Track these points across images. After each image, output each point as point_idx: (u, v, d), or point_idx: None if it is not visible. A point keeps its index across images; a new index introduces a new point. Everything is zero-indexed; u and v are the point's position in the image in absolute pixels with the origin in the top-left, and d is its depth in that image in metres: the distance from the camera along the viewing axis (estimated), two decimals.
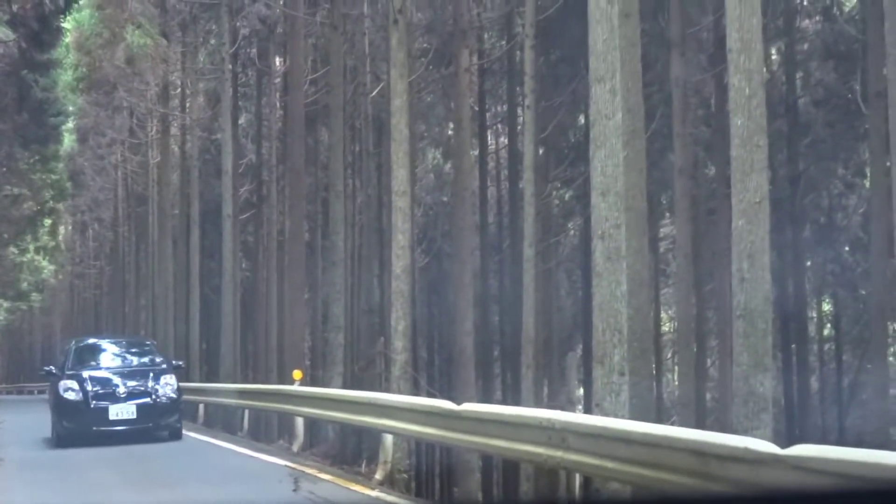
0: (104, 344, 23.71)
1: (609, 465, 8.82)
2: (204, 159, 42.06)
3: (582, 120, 32.25)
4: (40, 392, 68.41)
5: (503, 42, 32.81)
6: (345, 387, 22.70)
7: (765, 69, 29.08)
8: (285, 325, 27.55)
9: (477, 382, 26.60)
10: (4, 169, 45.38)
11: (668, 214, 31.91)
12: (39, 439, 21.25)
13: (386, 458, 14.24)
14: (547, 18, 23.40)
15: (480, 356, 29.65)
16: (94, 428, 19.33)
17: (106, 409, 19.48)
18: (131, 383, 20.01)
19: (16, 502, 13.32)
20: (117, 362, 21.61)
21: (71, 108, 44.65)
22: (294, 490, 12.67)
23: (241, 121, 41.43)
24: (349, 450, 20.43)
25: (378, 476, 14.18)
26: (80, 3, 32.32)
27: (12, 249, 60.53)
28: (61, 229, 68.60)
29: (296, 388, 19.43)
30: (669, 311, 37.00)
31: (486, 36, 33.50)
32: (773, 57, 28.26)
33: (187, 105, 43.18)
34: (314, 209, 36.38)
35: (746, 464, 7.16)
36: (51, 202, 53.80)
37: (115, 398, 19.61)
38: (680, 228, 21.89)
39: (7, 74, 38.76)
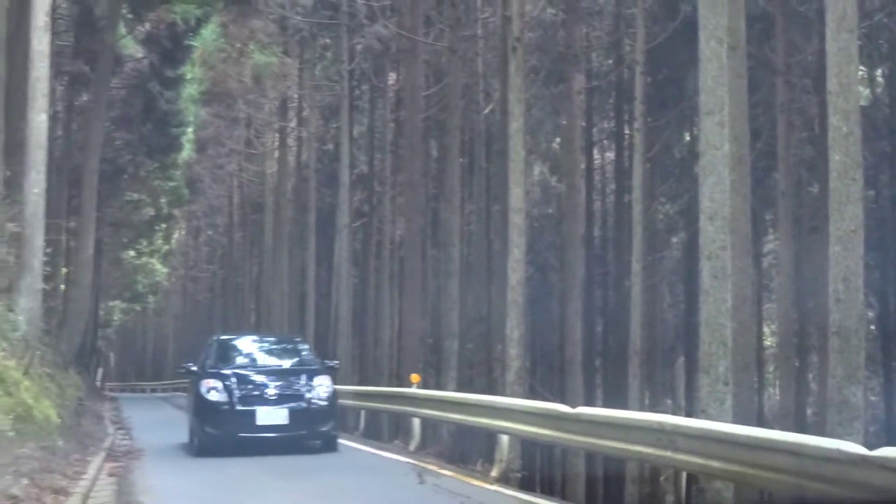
0: (250, 340, 21.65)
1: (714, 464, 9.75)
2: (317, 169, 43.68)
3: (687, 137, 33.10)
4: (152, 391, 70.82)
5: (610, 61, 33.73)
6: (459, 391, 23.81)
7: (868, 91, 29.69)
8: (403, 332, 28.82)
9: (584, 390, 27.56)
10: (126, 176, 47.52)
11: (771, 231, 32.50)
12: (174, 446, 20.49)
13: (501, 456, 15.27)
14: (657, 42, 24.31)
15: (585, 365, 30.61)
16: (240, 434, 17.26)
17: (253, 413, 17.32)
18: (282, 385, 17.90)
19: None
20: (266, 361, 19.62)
21: (192, 119, 46.78)
22: (420, 483, 13.78)
23: (354, 132, 42.99)
24: (462, 450, 21.56)
25: (494, 473, 15.18)
26: (208, 21, 34.12)
27: (130, 253, 63.05)
28: (176, 234, 71.16)
29: (414, 390, 20.49)
30: (772, 326, 37.48)
31: (593, 55, 34.45)
32: (878, 79, 28.79)
33: (303, 117, 44.86)
34: (426, 220, 37.69)
35: (838, 464, 8.07)
36: (167, 208, 56.06)
37: (264, 401, 17.50)
38: (782, 248, 22.66)
39: (134, 87, 40.92)
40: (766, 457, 8.94)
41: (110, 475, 15.22)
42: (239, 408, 17.36)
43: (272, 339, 23.49)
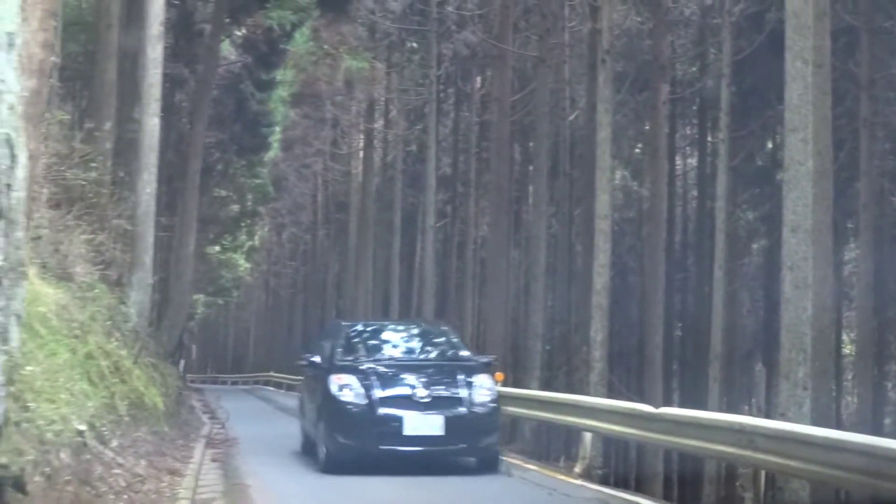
0: (388, 329, 17.87)
1: (792, 464, 10.36)
2: (402, 169, 44.60)
3: (770, 145, 33.42)
4: (233, 383, 72.18)
5: (694, 69, 34.16)
6: (542, 390, 24.48)
7: None
8: (486, 332, 29.58)
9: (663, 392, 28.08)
10: (216, 173, 48.82)
11: (853, 239, 32.71)
12: (267, 436, 20.48)
13: (584, 453, 15.91)
14: (744, 55, 24.76)
15: (663, 368, 31.08)
16: (382, 447, 13.66)
17: (400, 421, 13.67)
18: (434, 385, 14.19)
19: None
20: (411, 354, 16.10)
21: (279, 119, 47.98)
22: (508, 476, 14.53)
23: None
24: (543, 447, 22.25)
25: (577, 469, 15.83)
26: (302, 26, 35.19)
27: (215, 248, 64.52)
28: (258, 230, 72.65)
29: (499, 388, 21.08)
30: (851, 334, 37.60)
31: (678, 63, 34.88)
32: None
33: (389, 119, 45.84)
34: (509, 222, 38.39)
35: None
36: (253, 205, 57.33)
37: (412, 404, 13.85)
38: (863, 258, 23.03)
39: (227, 88, 42.16)
40: (841, 457, 9.53)
41: (213, 460, 16.17)
42: (381, 412, 13.79)
43: (414, 325, 18.90)
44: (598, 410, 15.27)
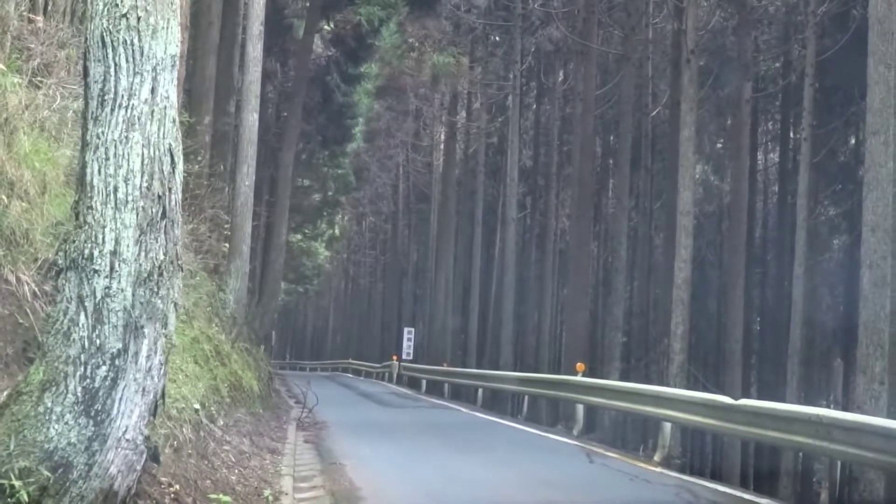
0: None
1: (867, 454, 10.82)
2: (483, 161, 45.13)
3: (853, 141, 33.41)
4: (312, 369, 73.02)
5: (777, 65, 34.25)
6: (621, 380, 24.87)
7: None
8: (566, 323, 30.08)
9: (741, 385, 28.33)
10: (301, 164, 49.78)
11: None
12: (352, 421, 21.66)
13: (664, 443, 16.41)
14: (828, 55, 24.92)
15: (744, 361, 31.28)
16: None
17: None
18: None
19: None
20: None
21: (363, 111, 48.79)
22: (590, 462, 15.08)
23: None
24: (622, 436, 22.72)
25: (656, 458, 16.31)
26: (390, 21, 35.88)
27: (297, 236, 65.61)
28: (339, 219, 73.67)
29: (579, 378, 21.60)
30: None
31: (761, 59, 34.98)
32: None
33: (472, 112, 46.40)
34: (590, 214, 38.77)
35: None
36: (335, 194, 58.24)
37: None
38: None
39: (313, 80, 43.07)
40: None
41: (306, 441, 16.89)
42: None
43: None
44: (677, 401, 15.75)
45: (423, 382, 38.45)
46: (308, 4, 32.33)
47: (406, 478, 12.97)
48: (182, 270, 6.21)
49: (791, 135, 33.69)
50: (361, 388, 40.45)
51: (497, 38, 41.77)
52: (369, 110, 49.99)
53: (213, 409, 13.13)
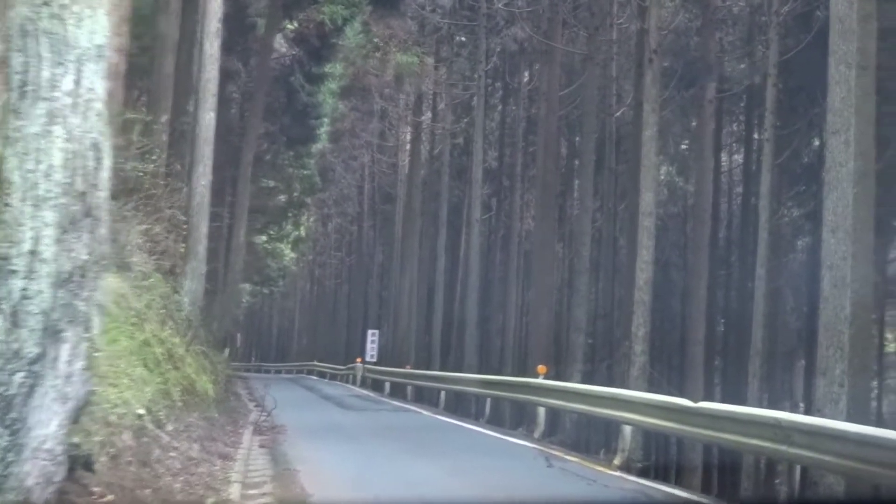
0: None
1: (827, 459, 10.65)
2: (448, 162, 44.89)
3: (816, 142, 33.40)
4: (277, 371, 72.70)
5: (742, 66, 34.20)
6: (584, 383, 24.72)
7: None
8: (530, 324, 29.89)
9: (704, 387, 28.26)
10: (264, 164, 49.38)
11: None
12: (311, 424, 21.60)
13: (624, 446, 16.24)
14: (791, 54, 24.80)
15: (705, 363, 31.20)
16: None
17: None
18: None
19: None
20: None
21: (328, 111, 48.42)
22: (548, 466, 14.90)
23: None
24: (584, 439, 22.55)
25: (616, 461, 16.15)
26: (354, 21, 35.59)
27: (262, 238, 65.18)
28: (304, 220, 73.30)
29: (541, 380, 21.42)
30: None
31: (725, 60, 34.91)
32: None
33: (437, 112, 46.17)
34: (553, 215, 38.61)
35: None
36: (300, 195, 57.85)
37: None
38: None
39: (277, 80, 42.70)
40: (875, 453, 9.81)
41: (261, 446, 16.61)
42: None
43: None
44: (637, 404, 15.58)
45: (387, 385, 38.29)
46: (269, 3, 31.94)
47: (359, 483, 12.76)
48: (107, 271, 5.92)
49: (755, 136, 33.67)
50: (324, 390, 40.28)
51: (463, 39, 41.58)
52: (334, 110, 49.66)
53: (161, 413, 12.82)
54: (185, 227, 20.09)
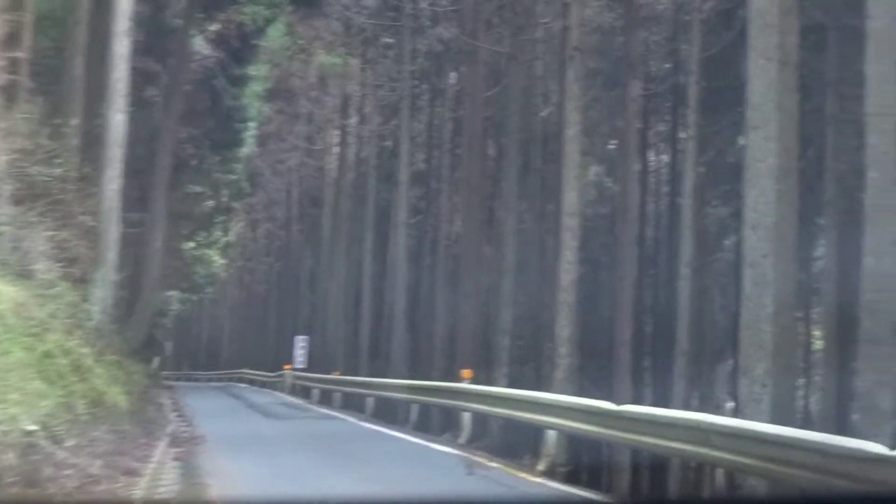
0: None
1: (746, 461, 10.36)
2: (375, 165, 44.42)
3: (742, 141, 33.40)
4: (208, 380, 71.80)
5: (668, 65, 34.15)
6: (509, 387, 24.40)
7: None
8: (456, 328, 29.49)
9: (631, 389, 28.03)
10: (190, 169, 48.55)
11: (822, 237, 32.71)
12: (232, 434, 20.78)
13: (548, 451, 15.88)
14: (713, 51, 24.71)
15: (633, 364, 31.03)
16: None
17: None
18: None
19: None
20: None
21: (255, 115, 47.78)
22: (469, 474, 14.50)
23: (413, 130, 43.62)
24: (511, 444, 22.18)
25: (540, 467, 15.79)
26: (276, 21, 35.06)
27: (190, 244, 64.24)
28: (234, 226, 72.39)
29: (465, 385, 21.06)
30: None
31: (651, 60, 34.84)
32: None
33: (364, 115, 45.68)
34: (481, 218, 38.27)
35: (861, 462, 8.69)
36: (228, 200, 57.08)
37: None
38: (828, 255, 23.05)
39: (201, 83, 41.96)
40: (794, 454, 9.54)
41: (175, 459, 16.04)
42: None
43: None
44: (559, 408, 15.26)
45: (315, 392, 37.88)
46: (188, 3, 31.23)
47: (270, 496, 12.33)
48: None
49: (681, 135, 33.59)
50: (251, 398, 39.76)
51: (390, 40, 41.10)
52: (261, 114, 49.06)
53: (60, 429, 12.19)
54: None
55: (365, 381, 31.97)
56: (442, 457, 17.52)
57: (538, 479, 14.52)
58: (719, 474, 11.58)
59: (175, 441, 18.67)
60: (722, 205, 34.26)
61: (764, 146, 12.85)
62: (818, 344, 38.82)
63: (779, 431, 9.96)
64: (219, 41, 35.73)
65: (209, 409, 30.34)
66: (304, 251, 58.97)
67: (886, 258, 11.33)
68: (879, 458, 8.46)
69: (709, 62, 25.95)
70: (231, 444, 18.86)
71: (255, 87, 43.35)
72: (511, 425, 22.25)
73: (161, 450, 16.89)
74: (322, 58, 34.65)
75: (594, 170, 42.68)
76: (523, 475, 15.18)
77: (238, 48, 34.50)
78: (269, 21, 32.15)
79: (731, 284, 37.19)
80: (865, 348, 11.34)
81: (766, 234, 12.84)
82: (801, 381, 33.50)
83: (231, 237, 71.83)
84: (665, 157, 38.43)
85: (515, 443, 21.95)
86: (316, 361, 44.17)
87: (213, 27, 35.73)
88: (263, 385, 53.30)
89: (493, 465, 16.17)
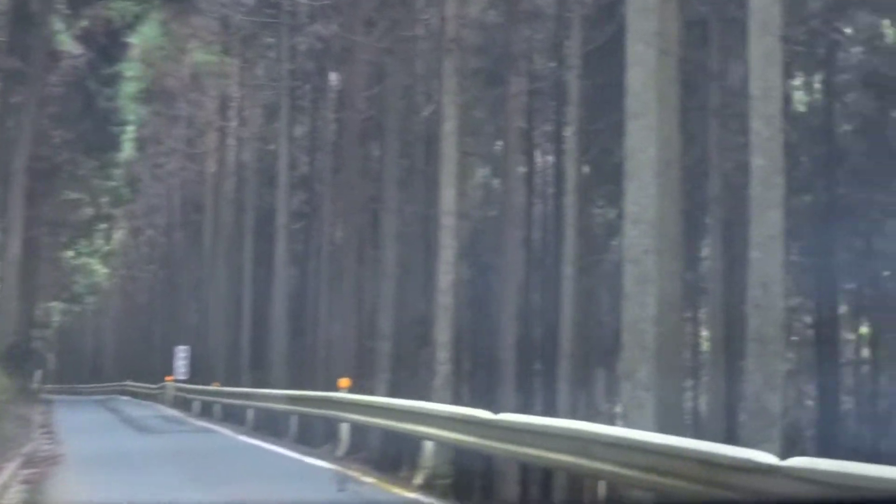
0: None
1: (628, 472, 9.56)
2: (257, 168, 43.19)
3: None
4: (91, 393, 69.85)
5: (553, 64, 33.58)
6: (390, 395, 23.52)
7: (807, 97, 29.83)
8: (336, 335, 28.47)
9: (518, 395, 27.36)
10: (64, 174, 46.76)
11: (708, 236, 32.48)
12: (97, 451, 19.80)
13: (425, 463, 15.01)
14: (595, 45, 24.12)
15: (522, 369, 30.35)
16: None
17: None
18: None
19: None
20: None
21: (132, 118, 46.14)
22: (339, 490, 13.55)
23: (296, 133, 42.52)
24: (391, 455, 21.28)
25: (417, 481, 14.92)
26: (147, 18, 33.59)
27: (69, 253, 62.20)
28: (115, 234, 70.32)
29: (342, 394, 20.15)
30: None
31: (535, 57, 34.23)
32: (816, 85, 28.90)
33: (244, 117, 44.40)
34: (364, 221, 37.33)
35: (749, 473, 7.93)
36: (108, 207, 55.31)
37: None
38: (714, 253, 22.62)
39: (73, 85, 40.23)
40: (679, 465, 8.78)
41: (24, 482, 14.84)
42: None
43: None
44: (435, 417, 14.41)
45: (196, 404, 36.82)
46: None
47: None
48: None
49: (566, 134, 33.03)
50: (129, 412, 38.50)
51: (271, 39, 39.84)
52: (138, 117, 47.44)
53: None
54: None
55: (244, 392, 30.85)
56: (315, 472, 16.61)
57: (413, 495, 13.66)
58: (602, 486, 10.69)
59: (29, 461, 17.49)
60: (608, 205, 33.82)
61: (645, 136, 12.11)
62: (706, 345, 38.74)
63: (663, 441, 9.18)
64: (86, 38, 34.10)
65: (81, 425, 29.21)
66: (187, 258, 57.34)
67: (772, 250, 10.64)
68: (769, 469, 7.71)
69: (592, 59, 25.37)
70: (91, 464, 17.64)
71: (130, 88, 41.79)
72: (392, 436, 21.33)
73: (9, 471, 15.69)
74: (196, 55, 33.19)
75: (481, 171, 42.05)
76: (398, 490, 14.34)
77: (106, 45, 32.93)
78: (138, 17, 30.70)
79: (620, 286, 36.80)
80: (753, 347, 10.64)
81: (648, 229, 12.09)
82: (689, 382, 33.23)
83: (113, 245, 69.85)
84: (551, 158, 37.88)
85: (397, 455, 20.99)
86: (198, 372, 42.92)
87: (81, 24, 34.09)
88: (147, 397, 52.05)
89: (368, 479, 15.27)
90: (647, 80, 12.42)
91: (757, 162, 10.71)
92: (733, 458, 8.10)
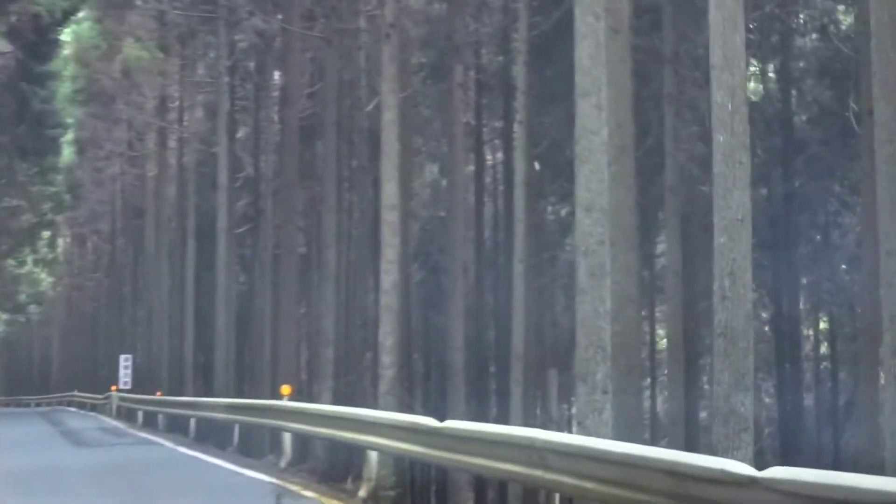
0: None
1: (588, 485, 8.65)
2: (201, 172, 41.98)
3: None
4: (37, 404, 68.60)
5: (501, 57, 32.72)
6: (335, 402, 22.56)
7: (761, 86, 29.16)
8: (279, 340, 27.41)
9: (470, 399, 26.44)
10: (3, 181, 45.28)
11: (664, 231, 31.74)
12: (25, 468, 19.02)
13: (370, 474, 14.11)
14: (542, 36, 23.30)
15: (474, 373, 29.43)
16: None
17: None
18: None
19: None
20: None
21: (70, 120, 44.69)
22: None
23: (240, 134, 41.34)
24: (337, 466, 20.27)
25: (361, 493, 14.05)
26: (79, 15, 32.24)
27: (10, 262, 60.57)
28: (60, 241, 68.78)
29: (284, 403, 19.24)
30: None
31: (483, 51, 33.35)
32: (770, 74, 28.22)
33: (185, 118, 43.12)
34: (311, 223, 36.25)
35: (723, 486, 7.06)
36: (49, 214, 53.78)
37: None
38: (670, 246, 21.81)
39: (6, 87, 38.75)
40: (643, 477, 7.88)
41: None
42: None
43: None
44: (379, 425, 13.44)
45: (140, 414, 35.91)
46: None
47: None
48: None
49: (515, 129, 32.11)
50: (70, 424, 37.59)
51: (211, 38, 38.59)
52: (76, 119, 46.04)
53: None
54: None
55: (187, 402, 29.84)
56: (253, 486, 15.64)
57: None
58: (557, 499, 9.73)
59: None
60: (560, 202, 32.97)
61: (596, 116, 11.17)
62: (662, 344, 37.97)
63: (625, 449, 8.22)
64: (11, 34, 32.69)
65: (16, 439, 28.25)
66: (132, 265, 55.98)
67: (739, 236, 9.72)
68: (748, 481, 6.78)
69: (540, 51, 24.53)
70: (17, 482, 16.66)
71: (66, 90, 40.39)
72: (336, 446, 20.34)
73: None
74: (127, 50, 31.89)
75: (430, 169, 41.11)
76: (340, 503, 13.38)
77: (34, 42, 31.51)
78: (67, 13, 29.34)
79: (574, 284, 35.94)
80: (720, 344, 9.70)
81: (602, 218, 11.15)
82: (646, 381, 32.44)
83: (57, 253, 68.34)
84: (500, 155, 36.99)
85: (342, 465, 19.99)
86: (143, 381, 41.83)
87: (8, 20, 32.64)
88: (93, 408, 51.12)
89: (309, 493, 14.32)
90: (597, 55, 11.49)
91: (719, 138, 9.78)
92: (706, 469, 7.19)
